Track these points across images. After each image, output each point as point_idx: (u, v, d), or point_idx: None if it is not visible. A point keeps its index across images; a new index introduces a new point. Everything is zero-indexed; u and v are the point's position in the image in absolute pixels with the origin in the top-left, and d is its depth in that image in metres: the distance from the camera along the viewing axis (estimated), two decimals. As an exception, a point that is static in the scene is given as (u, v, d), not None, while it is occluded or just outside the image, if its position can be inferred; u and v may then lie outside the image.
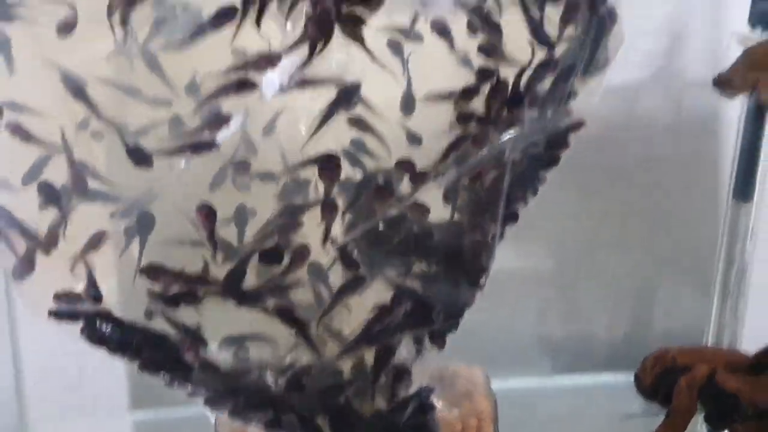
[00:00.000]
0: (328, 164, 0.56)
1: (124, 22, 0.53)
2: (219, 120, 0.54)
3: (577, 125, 0.64)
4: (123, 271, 0.59)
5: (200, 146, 0.54)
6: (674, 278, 1.03)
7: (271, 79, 0.54)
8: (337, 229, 0.58)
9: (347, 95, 0.56)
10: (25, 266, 0.57)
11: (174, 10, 0.54)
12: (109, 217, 0.58)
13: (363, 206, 0.57)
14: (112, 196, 0.57)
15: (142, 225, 0.57)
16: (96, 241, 0.58)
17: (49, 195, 0.56)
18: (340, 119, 0.57)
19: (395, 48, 0.57)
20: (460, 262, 0.59)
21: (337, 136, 0.58)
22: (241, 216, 0.58)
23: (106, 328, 0.57)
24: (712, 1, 0.92)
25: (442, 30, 0.56)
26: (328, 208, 0.57)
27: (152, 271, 0.57)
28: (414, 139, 0.60)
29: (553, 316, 1.04)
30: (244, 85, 0.54)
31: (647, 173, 0.98)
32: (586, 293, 1.03)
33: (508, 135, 0.57)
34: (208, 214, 0.57)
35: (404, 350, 0.60)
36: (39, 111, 0.56)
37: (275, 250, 0.57)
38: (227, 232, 0.58)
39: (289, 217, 0.57)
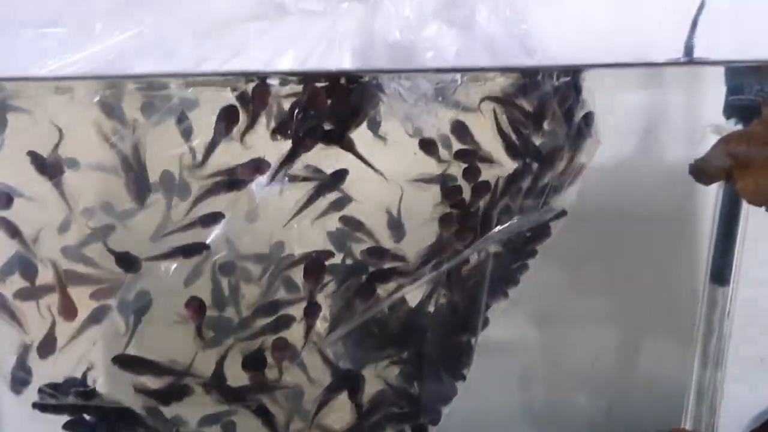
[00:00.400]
0: (313, 265, 0.58)
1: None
2: (211, 219, 0.55)
3: (559, 215, 0.65)
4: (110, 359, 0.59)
5: (192, 250, 0.55)
6: (655, 348, 1.04)
7: (260, 181, 0.56)
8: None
9: (333, 181, 0.58)
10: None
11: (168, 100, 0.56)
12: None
13: (346, 306, 0.58)
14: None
15: (138, 307, 0.58)
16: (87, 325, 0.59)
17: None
18: (324, 206, 0.59)
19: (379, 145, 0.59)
20: (443, 357, 0.61)
21: (323, 222, 0.60)
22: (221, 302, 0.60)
23: (91, 419, 0.58)
24: (687, 93, 0.95)
25: (427, 144, 0.58)
26: (312, 309, 0.59)
27: (135, 364, 0.58)
28: (398, 229, 0.62)
29: (536, 386, 1.05)
30: (235, 185, 0.55)
31: (628, 250, 1.00)
32: (568, 363, 1.04)
33: (491, 233, 0.58)
34: (198, 308, 0.58)
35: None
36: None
37: (259, 353, 0.58)
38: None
39: (273, 314, 0.58)
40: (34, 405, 0.58)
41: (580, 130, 0.59)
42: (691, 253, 0.97)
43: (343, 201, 0.59)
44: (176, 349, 0.59)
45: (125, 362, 0.57)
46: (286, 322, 0.58)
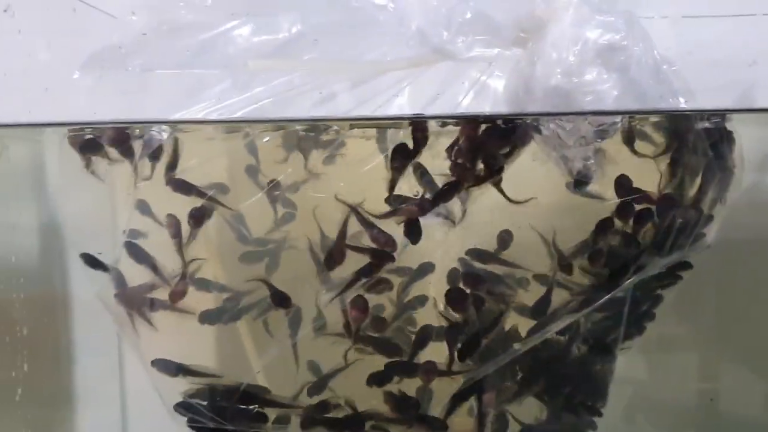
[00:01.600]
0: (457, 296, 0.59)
1: None
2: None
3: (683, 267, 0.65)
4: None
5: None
6: None
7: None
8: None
9: None
10: None
11: None
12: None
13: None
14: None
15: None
16: None
17: None
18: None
19: None
20: (583, 392, 0.61)
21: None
22: None
23: None
24: None
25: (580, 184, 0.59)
26: (452, 334, 0.60)
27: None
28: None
29: (643, 425, 1.03)
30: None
31: (745, 286, 0.97)
32: (676, 402, 1.02)
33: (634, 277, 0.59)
34: (362, 308, 0.60)
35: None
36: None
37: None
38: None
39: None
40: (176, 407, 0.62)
41: (728, 166, 0.59)
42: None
43: None
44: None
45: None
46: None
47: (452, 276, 0.60)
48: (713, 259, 0.69)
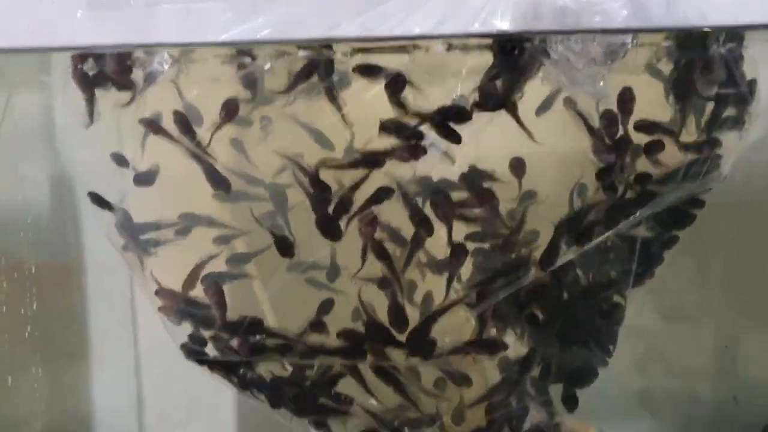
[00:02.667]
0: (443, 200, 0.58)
1: None
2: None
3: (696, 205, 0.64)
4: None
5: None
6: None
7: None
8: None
9: None
10: None
11: None
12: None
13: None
14: None
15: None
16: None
17: None
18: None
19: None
20: (595, 326, 0.61)
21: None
22: None
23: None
24: None
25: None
26: (456, 254, 0.60)
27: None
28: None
29: (656, 375, 1.03)
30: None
31: (755, 233, 0.96)
32: (689, 351, 1.01)
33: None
34: (371, 221, 0.59)
35: (536, 414, 0.61)
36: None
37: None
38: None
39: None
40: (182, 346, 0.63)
41: (744, 98, 0.58)
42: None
43: None
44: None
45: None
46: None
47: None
48: (729, 200, 0.68)
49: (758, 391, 1.00)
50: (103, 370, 1.02)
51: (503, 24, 0.51)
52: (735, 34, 0.55)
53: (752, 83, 0.58)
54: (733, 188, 0.92)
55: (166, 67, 0.57)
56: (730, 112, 0.58)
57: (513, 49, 0.52)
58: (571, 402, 0.62)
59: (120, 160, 0.61)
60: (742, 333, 1.00)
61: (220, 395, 0.96)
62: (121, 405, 1.01)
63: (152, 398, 1.02)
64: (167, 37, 0.58)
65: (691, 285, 0.99)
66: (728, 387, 1.00)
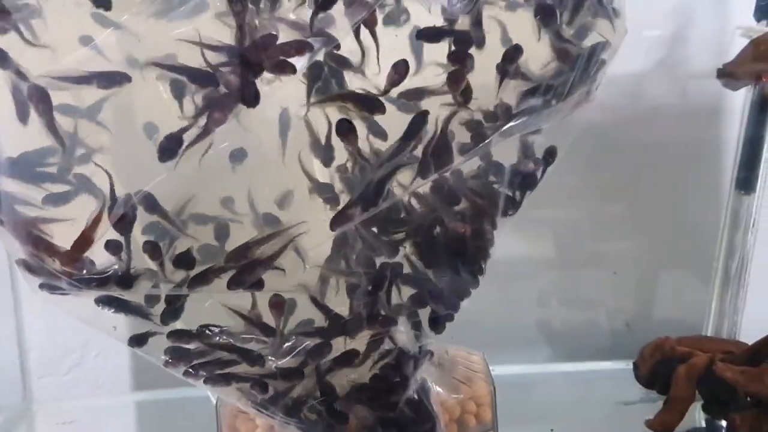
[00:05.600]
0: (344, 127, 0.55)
1: None
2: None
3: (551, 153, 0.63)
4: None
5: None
6: (675, 265, 1.03)
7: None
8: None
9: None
10: None
11: None
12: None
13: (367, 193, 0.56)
14: None
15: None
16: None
17: None
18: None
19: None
20: (461, 248, 0.60)
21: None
22: None
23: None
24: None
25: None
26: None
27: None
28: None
29: (554, 303, 1.05)
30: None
31: (650, 161, 0.98)
32: (587, 280, 1.03)
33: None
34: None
35: (403, 335, 0.60)
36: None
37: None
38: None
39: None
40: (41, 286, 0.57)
41: (608, 13, 0.57)
42: (717, 172, 0.95)
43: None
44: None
45: None
46: None
47: None
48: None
49: (649, 318, 1.04)
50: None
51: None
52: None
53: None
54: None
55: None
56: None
57: None
58: (436, 324, 0.62)
59: None
60: (635, 264, 1.02)
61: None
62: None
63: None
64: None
65: (587, 220, 1.01)
66: (623, 316, 1.03)
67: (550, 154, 0.62)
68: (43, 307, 0.59)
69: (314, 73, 0.55)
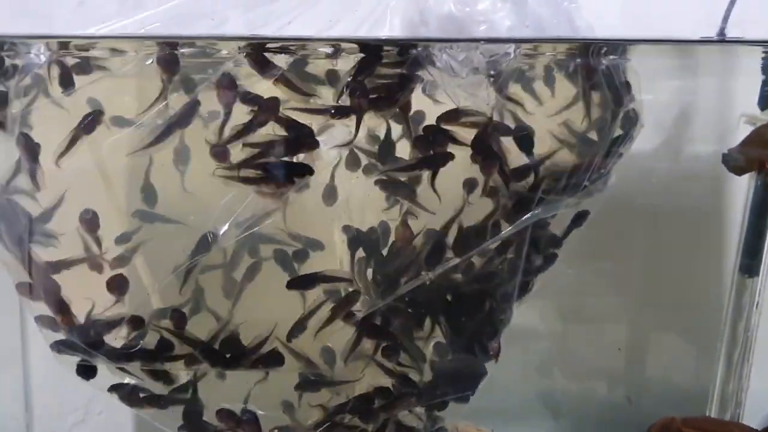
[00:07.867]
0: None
1: None
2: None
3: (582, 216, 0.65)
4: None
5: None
6: (678, 341, 1.03)
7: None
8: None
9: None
10: None
11: None
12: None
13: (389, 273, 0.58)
14: None
15: None
16: None
17: None
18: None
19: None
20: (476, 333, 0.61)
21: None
22: None
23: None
24: (721, 82, 0.94)
25: None
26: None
27: None
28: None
29: (557, 377, 1.05)
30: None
31: (654, 239, 0.99)
32: (590, 354, 1.03)
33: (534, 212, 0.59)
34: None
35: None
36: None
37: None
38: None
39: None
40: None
41: (628, 114, 0.59)
42: (719, 247, 0.97)
43: None
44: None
45: None
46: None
47: None
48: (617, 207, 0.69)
49: (650, 392, 1.04)
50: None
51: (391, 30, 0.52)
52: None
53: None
54: (627, 196, 0.96)
55: (42, 59, 0.55)
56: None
57: (380, 53, 0.52)
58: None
59: None
60: (637, 337, 1.03)
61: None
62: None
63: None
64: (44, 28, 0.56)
65: (590, 291, 1.01)
66: (624, 390, 1.04)
67: (581, 217, 0.64)
68: (48, 363, 0.60)
69: None
